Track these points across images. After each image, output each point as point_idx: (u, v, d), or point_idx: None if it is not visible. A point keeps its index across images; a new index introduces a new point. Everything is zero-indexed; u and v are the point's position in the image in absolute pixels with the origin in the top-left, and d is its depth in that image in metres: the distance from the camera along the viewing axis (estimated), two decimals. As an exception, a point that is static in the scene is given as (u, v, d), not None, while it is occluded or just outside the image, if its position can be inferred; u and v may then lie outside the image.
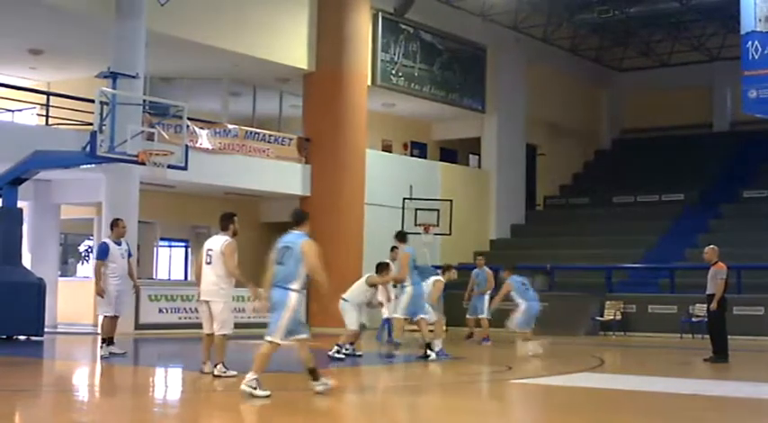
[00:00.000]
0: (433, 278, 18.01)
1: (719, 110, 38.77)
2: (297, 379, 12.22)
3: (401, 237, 17.42)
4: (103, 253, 15.91)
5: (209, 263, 12.92)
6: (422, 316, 16.61)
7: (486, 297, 21.81)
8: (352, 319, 16.52)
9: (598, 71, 39.30)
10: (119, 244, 16.10)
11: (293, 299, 10.92)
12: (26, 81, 26.93)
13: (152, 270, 27.89)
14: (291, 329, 10.91)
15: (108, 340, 15.83)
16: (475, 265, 23.29)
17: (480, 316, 21.77)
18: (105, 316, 16.04)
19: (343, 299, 16.51)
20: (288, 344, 10.97)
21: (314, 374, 11.08)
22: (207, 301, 12.95)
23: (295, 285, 10.99)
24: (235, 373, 12.48)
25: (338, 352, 16.31)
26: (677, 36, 36.20)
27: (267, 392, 10.73)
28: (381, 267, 17.49)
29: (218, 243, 12.97)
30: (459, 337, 21.92)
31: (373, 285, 16.95)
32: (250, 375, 10.80)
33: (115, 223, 16.35)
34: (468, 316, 22.37)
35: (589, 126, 39.79)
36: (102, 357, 15.52)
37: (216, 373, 12.63)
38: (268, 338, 10.91)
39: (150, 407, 10.93)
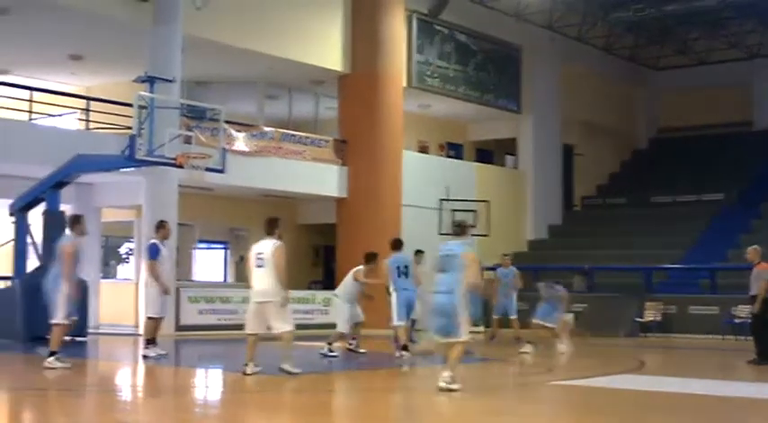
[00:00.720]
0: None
1: (759, 108, 38.40)
2: (322, 380, 12.32)
3: (395, 244, 17.34)
4: (155, 253, 15.95)
5: (260, 266, 13.19)
6: (397, 323, 16.46)
7: (515, 296, 21.42)
8: (342, 319, 16.98)
9: (634, 70, 39.10)
10: (164, 246, 16.20)
11: (461, 302, 11.59)
12: (67, 86, 27.19)
13: (191, 272, 28.06)
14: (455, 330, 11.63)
15: (150, 341, 15.94)
16: (502, 264, 22.59)
17: (511, 317, 21.36)
18: (151, 317, 16.10)
19: (334, 295, 17.16)
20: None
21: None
22: (262, 302, 13.17)
23: (460, 291, 11.61)
24: (299, 370, 12.89)
25: (330, 350, 16.68)
26: (714, 34, 35.91)
27: (460, 385, 11.54)
28: (370, 258, 17.47)
29: (267, 247, 13.24)
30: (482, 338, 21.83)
31: (358, 280, 17.13)
32: (446, 373, 11.58)
33: (161, 225, 16.44)
34: (494, 316, 21.92)
35: (626, 125, 39.59)
36: (147, 357, 15.58)
37: (284, 368, 12.93)
38: (454, 339, 11.61)
39: (192, 407, 11.03)
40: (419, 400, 11.97)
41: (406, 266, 16.82)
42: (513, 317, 21.16)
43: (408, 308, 16.65)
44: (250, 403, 11.38)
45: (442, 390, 11.47)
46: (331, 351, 16.78)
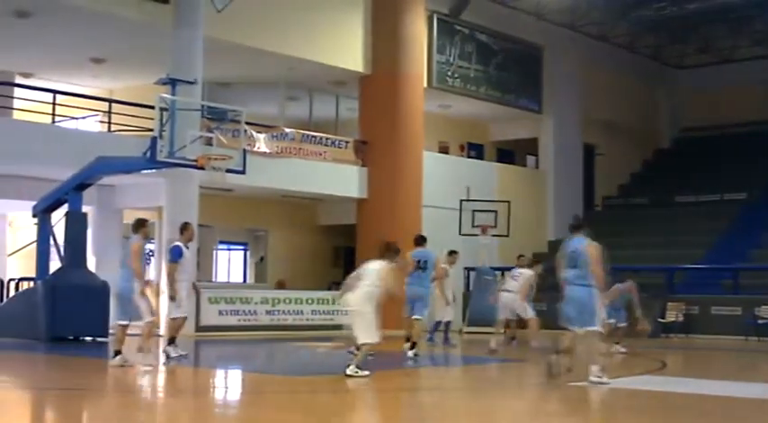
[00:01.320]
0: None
1: (784, 106, 38.19)
2: (333, 381, 12.35)
3: (418, 240, 17.65)
4: (177, 255, 15.92)
5: (361, 279, 13.49)
6: (416, 317, 16.83)
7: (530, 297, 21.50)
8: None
9: (656, 69, 38.96)
10: (187, 248, 16.16)
11: (595, 294, 12.40)
12: (89, 89, 27.34)
13: (211, 273, 28.18)
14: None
15: (170, 340, 15.99)
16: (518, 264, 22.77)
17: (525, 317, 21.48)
18: (174, 318, 16.15)
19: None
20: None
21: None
22: (351, 311, 13.60)
23: (592, 282, 12.40)
24: (367, 373, 13.04)
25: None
26: (737, 31, 35.73)
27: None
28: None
29: (377, 265, 13.45)
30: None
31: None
32: (595, 368, 12.29)
33: (185, 227, 16.38)
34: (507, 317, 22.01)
35: (648, 125, 39.45)
36: (171, 357, 15.59)
37: (348, 372, 13.02)
38: (591, 328, 12.33)
39: (211, 408, 11.08)
40: (436, 400, 11.98)
41: (425, 261, 17.01)
42: (529, 316, 21.15)
43: (413, 302, 16.82)
44: (269, 404, 11.41)
45: (593, 383, 12.14)
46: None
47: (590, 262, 12.46)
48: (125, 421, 9.81)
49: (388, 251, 13.73)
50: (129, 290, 14.21)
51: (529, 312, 18.24)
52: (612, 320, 18.44)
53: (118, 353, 14.15)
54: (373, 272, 13.29)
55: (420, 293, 16.94)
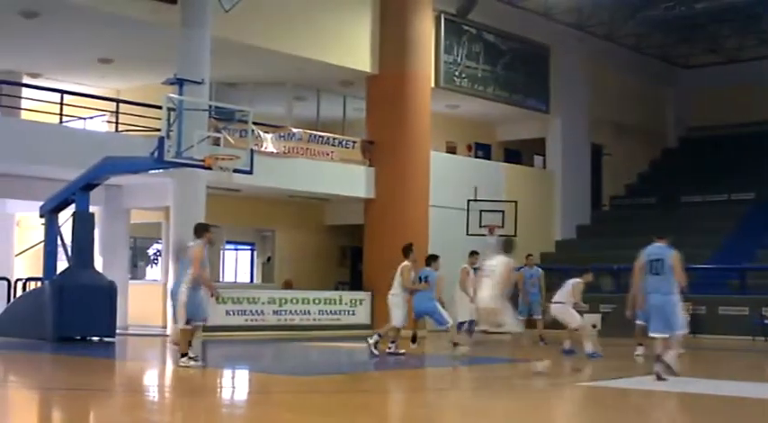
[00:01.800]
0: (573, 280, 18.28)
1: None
2: (350, 379, 12.35)
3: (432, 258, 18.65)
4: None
5: (488, 276, 14.72)
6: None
7: (540, 297, 21.52)
8: (397, 314, 17.40)
9: (663, 68, 38.91)
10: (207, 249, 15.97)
11: (678, 300, 13.41)
12: (97, 89, 27.39)
13: (218, 273, 28.21)
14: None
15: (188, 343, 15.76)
16: (527, 264, 22.57)
17: (535, 317, 21.34)
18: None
19: (391, 294, 17.61)
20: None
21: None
22: (485, 307, 14.85)
23: (675, 290, 13.33)
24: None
25: (375, 346, 16.95)
26: (745, 31, 35.66)
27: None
28: (406, 251, 18.04)
29: (499, 261, 14.81)
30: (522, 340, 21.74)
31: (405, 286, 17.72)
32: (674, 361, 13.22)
33: (203, 227, 15.87)
34: (519, 317, 21.92)
35: (655, 125, 39.41)
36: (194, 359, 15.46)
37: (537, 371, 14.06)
38: (677, 332, 13.28)
39: (219, 407, 11.10)
40: (439, 401, 11.99)
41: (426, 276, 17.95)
42: (538, 317, 21.26)
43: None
44: (277, 404, 11.43)
45: (660, 379, 12.83)
46: (398, 350, 17.23)
47: (675, 270, 13.24)
48: (133, 421, 9.83)
49: (511, 246, 15.07)
50: (181, 293, 14.20)
51: (577, 319, 17.78)
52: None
53: (184, 355, 14.11)
54: (500, 269, 14.49)
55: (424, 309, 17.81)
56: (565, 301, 17.54)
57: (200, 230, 14.70)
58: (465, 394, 12.95)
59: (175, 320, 14.21)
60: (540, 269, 22.25)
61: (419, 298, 17.64)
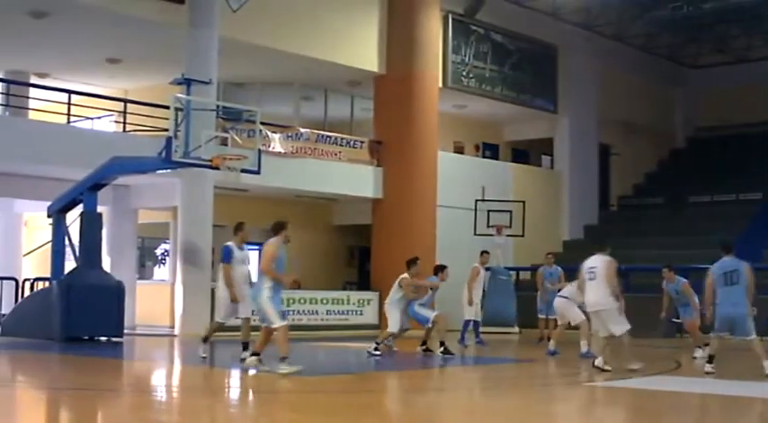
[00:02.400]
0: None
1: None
2: (357, 380, 12.33)
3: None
4: (228, 256, 15.43)
5: (592, 279, 14.85)
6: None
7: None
8: (393, 321, 17.62)
9: (671, 68, 38.85)
10: (241, 249, 15.69)
11: (748, 310, 14.46)
12: (104, 89, 27.43)
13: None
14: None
15: (205, 338, 15.61)
16: (546, 263, 22.66)
17: (551, 317, 21.03)
18: (219, 321, 15.81)
19: (387, 303, 17.95)
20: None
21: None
22: (596, 311, 15.01)
23: (747, 301, 14.37)
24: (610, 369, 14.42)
25: (376, 349, 17.06)
26: (753, 31, 35.57)
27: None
28: (410, 263, 18.14)
29: (599, 262, 15.00)
30: (528, 340, 21.70)
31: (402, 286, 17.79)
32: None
33: (239, 227, 15.79)
34: (540, 316, 21.82)
35: (663, 125, 39.35)
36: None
37: (630, 367, 14.63)
38: (750, 337, 14.47)
39: (226, 407, 11.10)
40: (446, 400, 11.97)
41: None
42: (554, 317, 20.66)
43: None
44: (285, 404, 11.43)
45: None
46: (377, 350, 17.04)
47: (750, 282, 14.21)
48: (140, 421, 9.84)
49: (606, 246, 15.28)
50: (262, 293, 14.19)
51: (579, 316, 17.60)
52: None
53: (256, 354, 14.00)
54: (602, 269, 14.70)
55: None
56: (570, 297, 17.58)
57: (278, 228, 14.50)
58: (472, 394, 12.93)
59: (268, 322, 13.67)
60: (560, 268, 22.09)
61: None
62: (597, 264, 14.80)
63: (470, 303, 20.40)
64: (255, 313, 14.39)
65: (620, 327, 14.88)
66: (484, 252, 20.99)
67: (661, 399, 12.07)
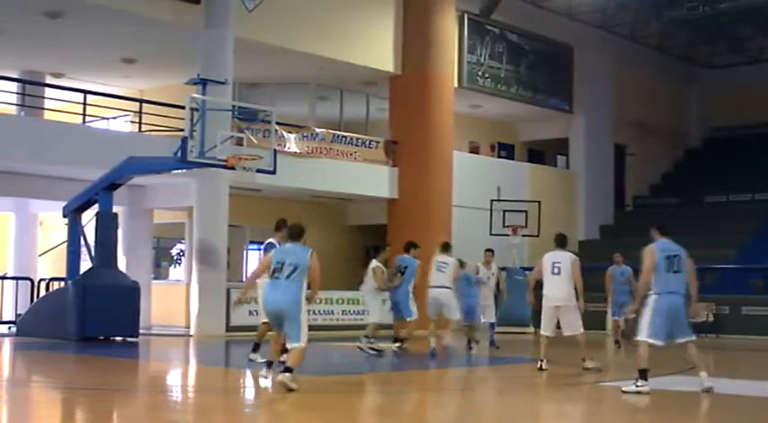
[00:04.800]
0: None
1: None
2: (371, 380, 12.30)
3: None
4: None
5: (556, 273, 14.51)
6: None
7: (630, 297, 19.97)
8: (372, 310, 17.90)
9: (687, 69, 38.74)
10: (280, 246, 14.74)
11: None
12: (120, 89, 27.48)
13: (241, 273, 28.21)
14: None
15: (255, 346, 15.34)
16: (614, 262, 21.50)
17: (625, 317, 20.01)
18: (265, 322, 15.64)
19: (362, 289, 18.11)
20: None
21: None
22: (558, 307, 14.59)
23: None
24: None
25: (370, 346, 17.08)
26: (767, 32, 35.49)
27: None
28: (377, 250, 18.57)
29: (565, 258, 14.73)
30: (598, 344, 21.29)
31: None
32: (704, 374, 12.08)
33: (283, 223, 15.16)
34: (612, 318, 20.95)
35: (679, 125, 39.24)
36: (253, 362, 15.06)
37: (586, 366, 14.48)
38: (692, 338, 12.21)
39: (240, 407, 11.10)
40: (466, 400, 11.95)
41: (405, 267, 17.65)
42: (629, 317, 20.40)
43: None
44: (299, 404, 11.41)
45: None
46: (371, 348, 17.05)
47: (690, 270, 12.30)
48: (156, 421, 9.84)
49: (566, 241, 15.15)
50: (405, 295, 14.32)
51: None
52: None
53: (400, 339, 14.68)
54: (567, 266, 14.52)
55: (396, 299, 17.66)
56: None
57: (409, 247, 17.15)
58: (484, 394, 12.90)
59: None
60: (629, 268, 20.94)
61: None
62: (561, 259, 14.53)
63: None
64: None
65: (574, 328, 14.59)
66: (486, 250, 20.04)
67: (673, 398, 12.02)
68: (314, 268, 11.85)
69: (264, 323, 14.81)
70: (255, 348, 15.23)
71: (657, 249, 12.27)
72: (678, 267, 12.10)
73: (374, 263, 17.76)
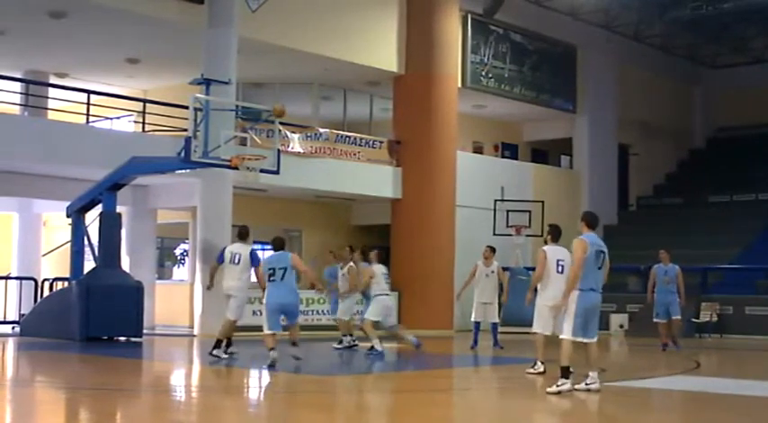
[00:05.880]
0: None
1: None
2: (375, 380, 12.29)
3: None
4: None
5: (560, 273, 13.62)
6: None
7: (678, 296, 20.02)
8: (342, 309, 18.38)
9: (690, 69, 38.69)
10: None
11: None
12: (123, 89, 27.49)
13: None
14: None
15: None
16: (659, 259, 20.58)
17: (674, 317, 19.90)
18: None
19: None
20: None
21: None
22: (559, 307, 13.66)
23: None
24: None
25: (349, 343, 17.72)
26: (772, 31, 35.42)
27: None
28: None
29: (567, 256, 13.52)
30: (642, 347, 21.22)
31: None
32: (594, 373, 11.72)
33: (246, 231, 16.31)
34: (657, 320, 20.12)
35: (682, 125, 39.20)
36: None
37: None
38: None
39: (244, 407, 11.10)
40: (465, 400, 11.95)
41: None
42: (676, 317, 19.91)
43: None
44: (303, 403, 11.42)
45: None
46: (372, 348, 17.30)
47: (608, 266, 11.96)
48: (160, 420, 9.85)
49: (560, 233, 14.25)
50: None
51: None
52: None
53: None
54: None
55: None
56: None
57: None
58: (489, 395, 12.89)
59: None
60: (676, 266, 20.31)
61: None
62: (564, 257, 13.61)
63: (457, 297, 20.25)
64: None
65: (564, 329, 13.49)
66: (486, 247, 19.57)
67: (680, 398, 12.01)
68: (296, 264, 14.74)
69: (232, 321, 16.10)
70: (218, 345, 15.92)
71: (589, 243, 11.84)
72: (601, 264, 11.86)
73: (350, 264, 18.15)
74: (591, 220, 12.22)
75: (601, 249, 11.85)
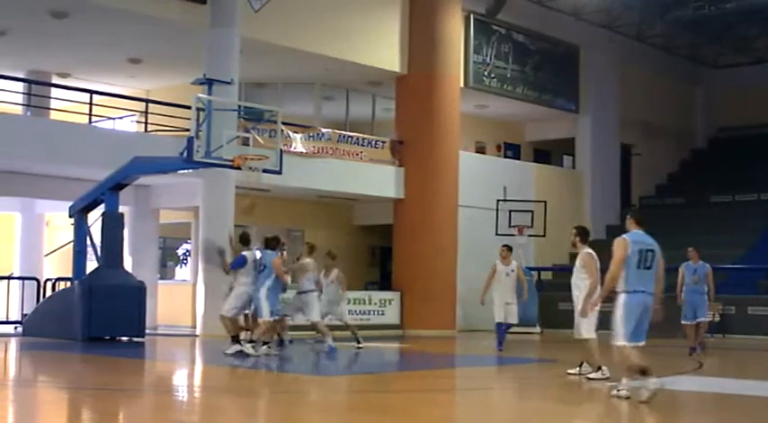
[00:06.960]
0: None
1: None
2: (378, 380, 12.28)
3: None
4: None
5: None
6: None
7: (707, 297, 19.04)
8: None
9: (692, 69, 38.67)
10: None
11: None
12: (125, 89, 27.51)
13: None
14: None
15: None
16: (690, 258, 19.52)
17: (700, 319, 18.85)
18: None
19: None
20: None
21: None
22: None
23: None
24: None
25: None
26: (774, 31, 35.39)
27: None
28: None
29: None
30: (550, 340, 21.52)
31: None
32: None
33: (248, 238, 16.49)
34: (685, 322, 18.82)
35: (684, 125, 39.18)
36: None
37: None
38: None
39: (249, 407, 11.10)
40: (469, 400, 11.94)
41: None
42: (703, 320, 18.97)
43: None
44: (307, 404, 11.42)
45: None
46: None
47: (662, 266, 11.13)
48: (162, 420, 9.84)
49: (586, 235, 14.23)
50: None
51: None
52: None
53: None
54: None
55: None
56: None
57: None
58: (493, 394, 12.88)
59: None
60: (707, 265, 19.39)
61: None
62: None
63: (481, 302, 19.06)
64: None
65: (585, 332, 13.45)
66: (503, 246, 19.19)
67: (683, 399, 12.00)
68: (274, 266, 16.28)
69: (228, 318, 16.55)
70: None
71: (630, 241, 11.21)
72: (650, 263, 11.07)
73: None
74: (639, 217, 11.67)
75: (648, 248, 11.14)
